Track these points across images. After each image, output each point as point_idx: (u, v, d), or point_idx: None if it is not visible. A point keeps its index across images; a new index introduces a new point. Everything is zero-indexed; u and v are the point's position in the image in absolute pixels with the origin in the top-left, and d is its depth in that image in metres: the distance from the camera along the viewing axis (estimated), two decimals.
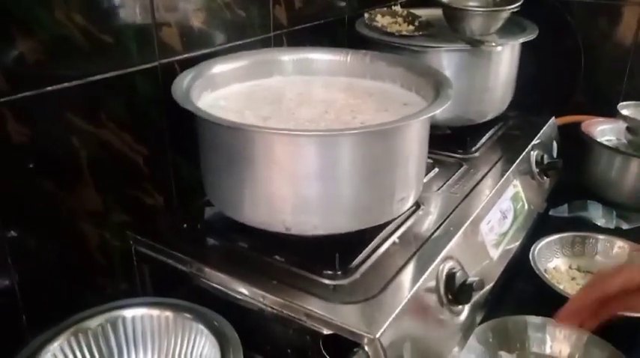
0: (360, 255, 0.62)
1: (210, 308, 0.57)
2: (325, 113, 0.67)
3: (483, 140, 0.94)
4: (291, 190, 0.58)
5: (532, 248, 0.82)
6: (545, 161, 0.96)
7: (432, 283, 0.62)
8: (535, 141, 0.96)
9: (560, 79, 1.22)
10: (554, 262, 0.84)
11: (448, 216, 0.71)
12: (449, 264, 0.65)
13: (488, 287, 0.71)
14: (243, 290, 0.59)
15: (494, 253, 0.75)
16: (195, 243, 0.66)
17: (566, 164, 1.01)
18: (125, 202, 0.69)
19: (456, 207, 0.74)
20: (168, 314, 0.55)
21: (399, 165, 0.61)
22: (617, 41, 1.18)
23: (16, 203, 0.57)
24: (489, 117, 0.95)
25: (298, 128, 0.61)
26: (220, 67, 0.72)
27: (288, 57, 0.79)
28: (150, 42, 0.67)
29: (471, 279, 0.64)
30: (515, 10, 0.89)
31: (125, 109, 0.66)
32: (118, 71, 0.64)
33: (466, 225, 0.70)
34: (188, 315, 0.55)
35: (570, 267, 0.84)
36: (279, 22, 0.87)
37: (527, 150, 0.92)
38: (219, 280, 0.60)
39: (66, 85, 0.59)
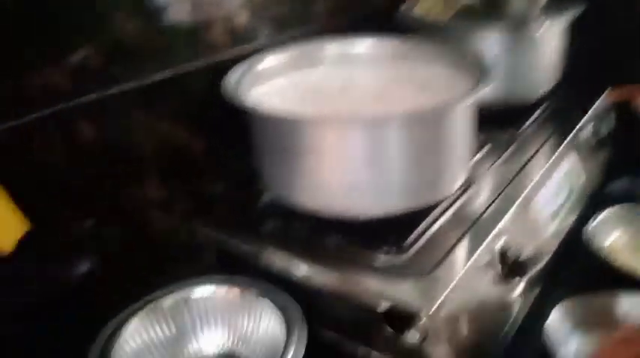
0: (414, 234, 0.64)
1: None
2: (371, 100, 0.69)
3: (536, 115, 0.93)
4: (342, 177, 0.60)
5: (588, 223, 0.81)
6: (601, 134, 0.94)
7: (486, 258, 0.63)
8: (589, 114, 0.94)
9: (618, 46, 1.18)
10: (612, 236, 0.83)
11: (500, 193, 0.72)
12: (502, 241, 0.65)
13: (542, 264, 0.71)
14: (303, 270, 0.61)
15: (549, 229, 0.75)
16: (255, 226, 0.69)
17: (623, 137, 0.99)
18: (188, 191, 0.73)
19: (508, 184, 0.74)
20: (236, 290, 0.59)
21: (445, 147, 0.63)
22: None
23: (90, 196, 0.62)
24: (540, 94, 0.94)
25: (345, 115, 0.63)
26: (267, 62, 0.75)
27: (332, 47, 0.81)
28: (199, 41, 0.71)
29: (525, 255, 0.65)
30: None
31: (182, 106, 0.71)
32: (172, 71, 0.68)
33: (518, 201, 0.70)
34: (255, 291, 0.59)
35: (630, 239, 0.83)
36: (318, 16, 0.89)
37: (580, 123, 0.91)
38: (279, 260, 0.63)
39: (126, 86, 0.63)
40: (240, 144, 0.75)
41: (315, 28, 0.89)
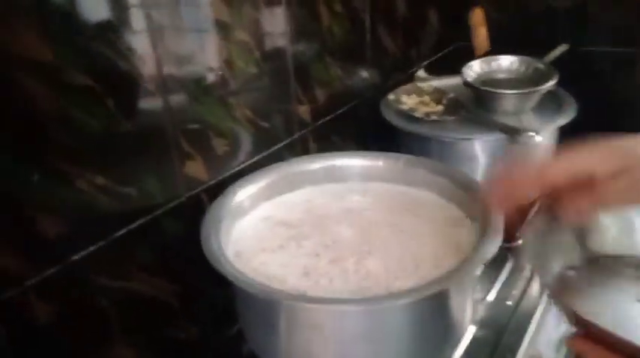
0: None
1: None
2: (366, 247, 0.62)
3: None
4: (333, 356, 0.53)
5: None
6: None
7: None
8: None
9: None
10: None
11: (503, 339, 0.66)
12: None
13: None
14: None
15: None
16: None
17: None
18: (158, 344, 0.66)
19: (509, 323, 0.68)
20: None
21: (451, 312, 0.56)
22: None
23: None
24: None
25: (337, 297, 0.54)
26: (245, 191, 0.68)
27: (318, 165, 0.75)
28: (173, 180, 0.64)
29: None
30: (550, 89, 0.85)
31: (153, 254, 0.63)
32: (142, 219, 0.61)
33: (524, 347, 0.65)
34: None
35: None
36: (303, 122, 0.83)
37: None
38: None
39: (91, 249, 0.55)
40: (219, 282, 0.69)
41: (301, 136, 0.83)
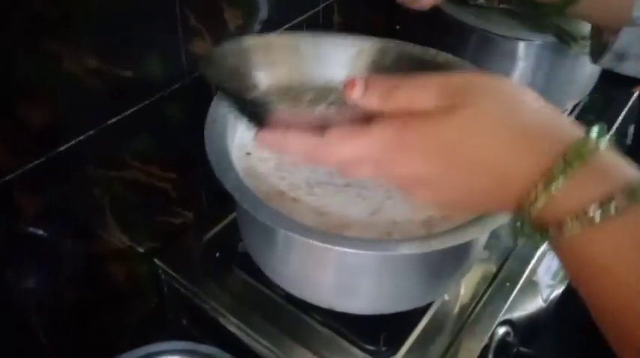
0: (407, 329, 0.57)
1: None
2: None
3: None
4: (338, 281, 0.51)
5: None
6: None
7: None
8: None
9: None
10: None
11: (503, 264, 0.64)
12: (502, 331, 0.60)
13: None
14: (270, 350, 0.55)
15: (547, 294, 0.69)
16: (226, 281, 0.61)
17: None
18: (153, 229, 0.63)
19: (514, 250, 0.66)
20: None
21: (464, 253, 0.53)
22: None
23: (34, 259, 0.52)
24: (568, 106, 0.82)
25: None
26: None
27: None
28: (176, 60, 0.56)
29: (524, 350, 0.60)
30: None
31: (150, 141, 0.57)
32: (139, 104, 0.54)
33: (524, 277, 0.63)
34: None
35: None
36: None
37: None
38: (247, 334, 0.57)
39: (80, 139, 0.50)
40: None
41: (326, 7, 0.72)
